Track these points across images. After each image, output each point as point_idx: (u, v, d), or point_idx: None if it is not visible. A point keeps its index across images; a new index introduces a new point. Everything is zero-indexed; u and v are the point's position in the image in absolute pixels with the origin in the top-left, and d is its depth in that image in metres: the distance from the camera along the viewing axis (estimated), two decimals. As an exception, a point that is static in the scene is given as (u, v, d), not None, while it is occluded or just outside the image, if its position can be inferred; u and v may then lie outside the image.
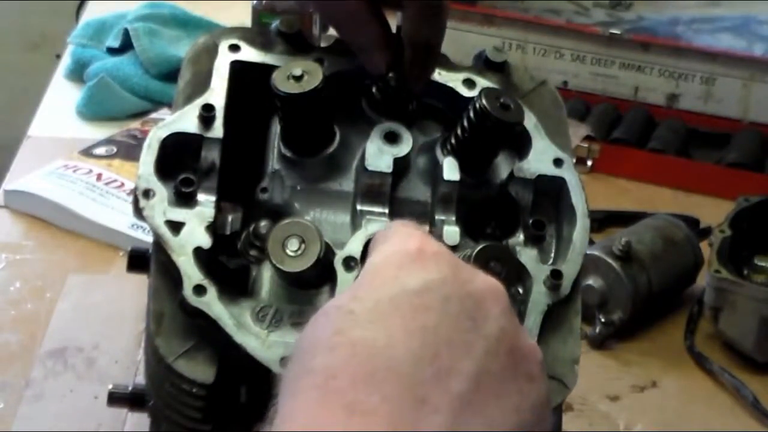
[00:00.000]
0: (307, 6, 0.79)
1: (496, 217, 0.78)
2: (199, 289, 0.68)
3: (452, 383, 0.53)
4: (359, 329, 0.54)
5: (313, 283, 0.70)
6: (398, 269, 0.57)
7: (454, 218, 0.74)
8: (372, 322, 0.54)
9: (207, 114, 0.74)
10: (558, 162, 0.77)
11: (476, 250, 0.67)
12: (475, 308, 0.56)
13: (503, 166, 0.78)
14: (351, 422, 0.50)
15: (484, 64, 0.82)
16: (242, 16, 1.51)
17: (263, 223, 0.73)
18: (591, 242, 1.10)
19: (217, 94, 0.76)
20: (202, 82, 0.77)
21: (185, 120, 0.74)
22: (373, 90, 0.79)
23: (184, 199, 0.72)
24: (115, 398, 0.82)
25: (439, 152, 0.77)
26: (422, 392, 0.52)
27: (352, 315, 0.55)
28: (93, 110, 1.62)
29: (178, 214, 0.71)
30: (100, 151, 1.48)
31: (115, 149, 1.48)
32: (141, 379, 0.78)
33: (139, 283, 0.77)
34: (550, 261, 0.75)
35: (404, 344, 0.53)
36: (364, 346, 0.53)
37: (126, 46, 1.68)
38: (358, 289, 0.57)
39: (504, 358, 0.56)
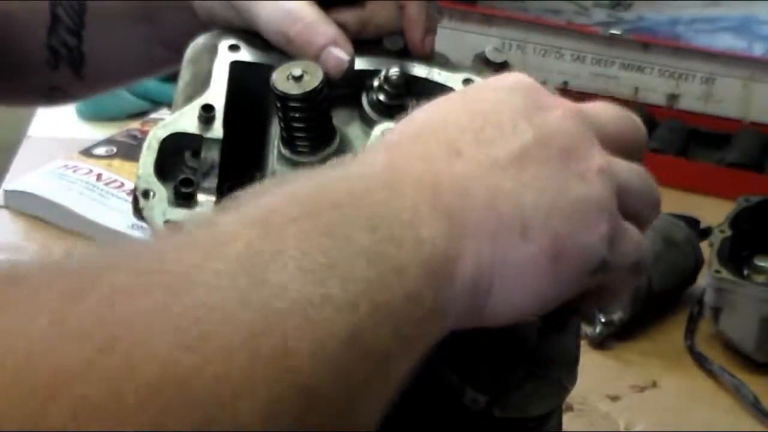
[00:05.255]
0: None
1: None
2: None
3: (491, 149, 0.55)
4: (422, 112, 0.59)
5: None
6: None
7: (454, 218, 0.74)
8: (434, 105, 0.59)
9: (207, 114, 0.74)
10: (558, 162, 0.77)
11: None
12: (538, 109, 0.57)
13: (503, 166, 0.78)
14: (390, 154, 0.55)
15: (484, 64, 0.82)
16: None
17: (263, 224, 0.73)
18: (591, 242, 1.10)
19: (216, 94, 0.76)
20: (201, 82, 0.77)
21: (185, 120, 0.74)
22: (374, 89, 0.79)
23: (184, 199, 0.72)
24: (115, 398, 0.81)
25: (439, 152, 0.77)
26: (460, 147, 0.55)
27: (420, 105, 0.60)
28: (93, 110, 1.62)
29: (178, 214, 0.71)
30: (100, 151, 1.48)
31: (115, 149, 1.48)
32: (141, 380, 0.78)
33: (139, 284, 0.76)
34: (550, 261, 0.75)
35: (454, 118, 0.56)
36: (420, 118, 0.58)
37: (126, 46, 1.68)
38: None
39: (555, 152, 0.56)
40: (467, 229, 0.52)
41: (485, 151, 0.55)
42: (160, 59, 0.89)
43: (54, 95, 0.95)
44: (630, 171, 0.60)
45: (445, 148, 0.54)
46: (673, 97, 1.75)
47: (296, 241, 0.47)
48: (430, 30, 0.80)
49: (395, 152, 0.55)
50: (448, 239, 0.51)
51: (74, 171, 1.41)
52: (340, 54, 0.76)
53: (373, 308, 0.47)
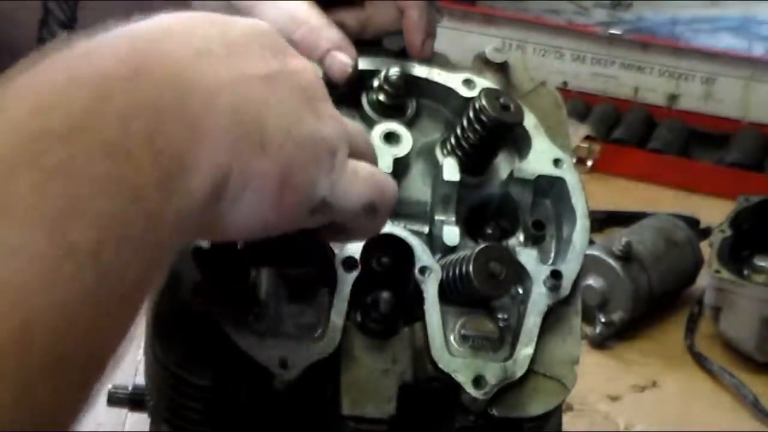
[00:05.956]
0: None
1: (496, 217, 0.78)
2: (199, 289, 0.68)
3: (240, 62, 0.54)
4: (167, 19, 0.55)
5: (312, 283, 0.70)
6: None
7: (454, 218, 0.74)
8: (182, 18, 0.55)
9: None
10: (558, 162, 0.77)
11: (476, 250, 0.66)
12: (282, 52, 0.57)
13: (503, 166, 0.78)
14: (136, 46, 0.51)
15: (484, 64, 0.82)
16: (242, 16, 1.51)
17: (263, 224, 0.73)
18: (591, 242, 1.10)
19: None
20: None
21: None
22: (374, 89, 0.79)
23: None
24: (115, 398, 0.82)
25: (439, 152, 0.77)
26: (209, 48, 0.53)
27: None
28: (93, 110, 1.63)
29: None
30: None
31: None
32: (141, 379, 0.78)
33: (139, 284, 0.76)
34: (550, 261, 0.75)
35: (204, 30, 0.54)
36: (167, 23, 0.54)
37: (126, 46, 1.69)
38: None
39: (297, 87, 0.57)
40: (208, 136, 0.51)
41: (234, 60, 0.54)
42: None
43: None
44: (355, 128, 0.62)
45: (194, 48, 0.53)
46: (673, 97, 1.75)
47: (29, 190, 0.44)
48: (430, 34, 0.80)
49: (142, 45, 0.52)
50: (187, 149, 0.50)
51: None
52: (344, 59, 0.77)
53: (117, 247, 0.46)
